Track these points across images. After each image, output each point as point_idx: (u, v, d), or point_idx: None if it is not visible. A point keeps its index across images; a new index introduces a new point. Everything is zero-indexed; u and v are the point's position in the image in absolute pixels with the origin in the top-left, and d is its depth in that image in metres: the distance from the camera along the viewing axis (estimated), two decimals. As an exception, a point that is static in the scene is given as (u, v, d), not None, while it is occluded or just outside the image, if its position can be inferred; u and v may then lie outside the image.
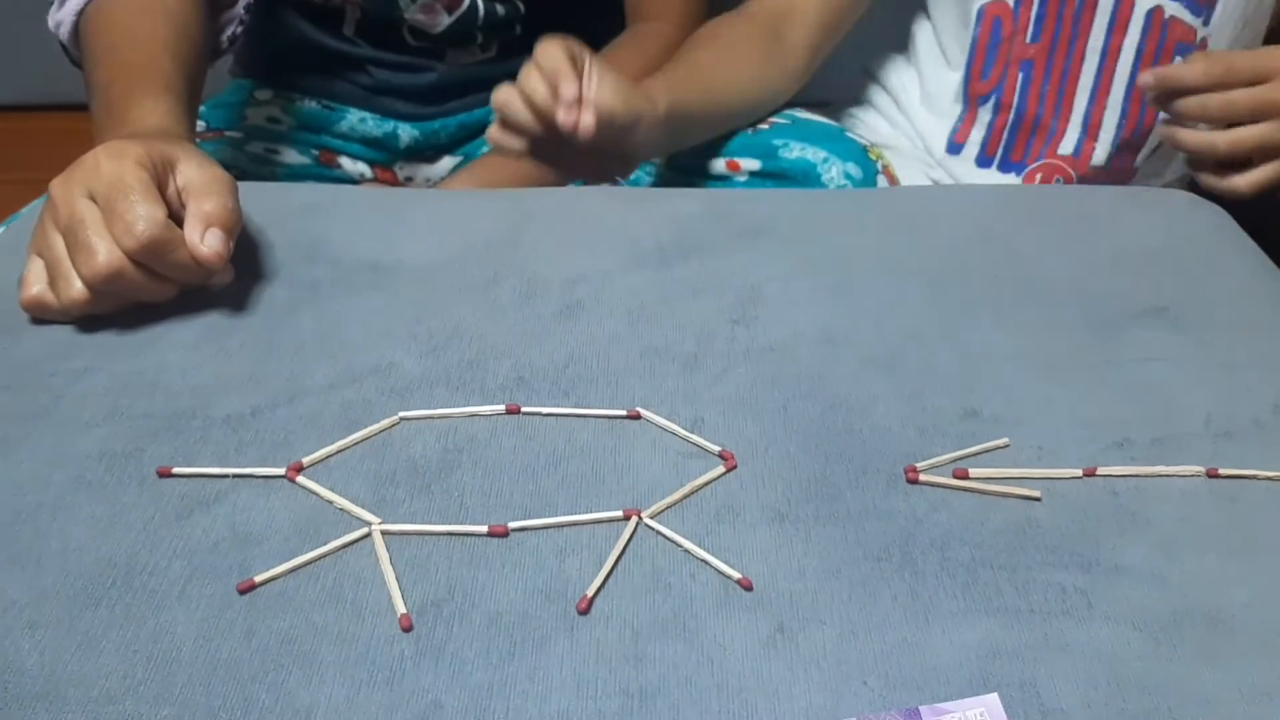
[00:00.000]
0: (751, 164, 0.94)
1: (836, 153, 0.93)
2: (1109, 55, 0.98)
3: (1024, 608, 0.50)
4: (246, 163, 1.06)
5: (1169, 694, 0.46)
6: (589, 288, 0.70)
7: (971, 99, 1.03)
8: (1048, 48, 0.99)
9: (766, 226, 0.75)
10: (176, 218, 0.65)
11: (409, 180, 1.14)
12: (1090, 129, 1.00)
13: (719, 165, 0.95)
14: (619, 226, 0.75)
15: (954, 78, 1.04)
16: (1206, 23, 0.96)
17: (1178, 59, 0.95)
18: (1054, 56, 0.99)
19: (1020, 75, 1.01)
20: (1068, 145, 1.01)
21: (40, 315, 0.65)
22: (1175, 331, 0.66)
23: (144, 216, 0.62)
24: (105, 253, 0.62)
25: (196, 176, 0.66)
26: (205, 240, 0.64)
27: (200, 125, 1.09)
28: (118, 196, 0.63)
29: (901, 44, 1.11)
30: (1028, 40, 1.00)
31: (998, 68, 1.01)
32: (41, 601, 0.49)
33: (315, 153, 1.10)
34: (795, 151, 0.93)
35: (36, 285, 0.65)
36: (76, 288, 0.64)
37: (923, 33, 1.09)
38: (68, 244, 0.64)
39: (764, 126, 0.97)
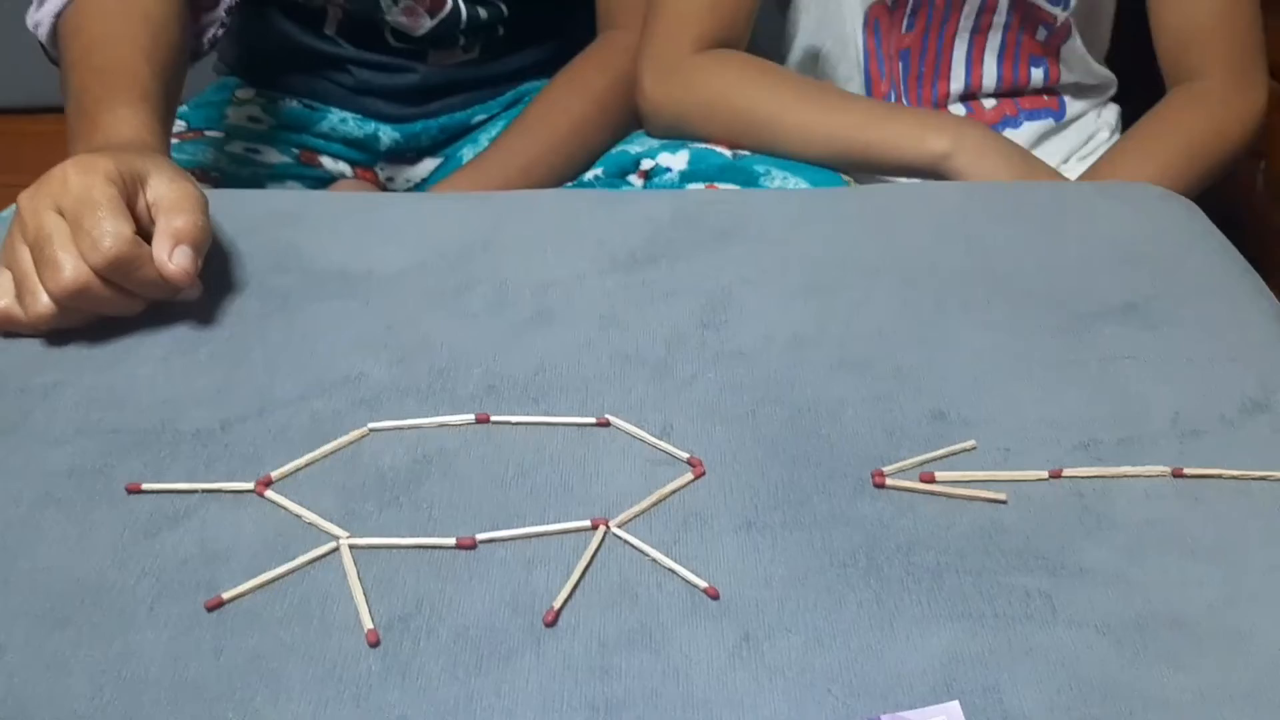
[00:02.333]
0: (731, 189, 0.94)
1: (817, 184, 0.93)
2: (979, 32, 1.04)
3: (988, 612, 0.50)
4: (227, 163, 1.06)
5: (1132, 698, 0.46)
6: (560, 293, 0.70)
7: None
8: (921, 33, 1.04)
9: (737, 228, 0.75)
10: (146, 233, 0.65)
11: (390, 181, 1.14)
12: (972, 96, 1.07)
13: (698, 188, 0.95)
14: (590, 230, 0.75)
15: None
16: (1065, 8, 1.03)
17: (1041, 29, 1.04)
18: (928, 39, 1.04)
19: (901, 65, 1.05)
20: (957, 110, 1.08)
21: (8, 329, 0.65)
22: (1144, 329, 0.66)
23: (110, 233, 0.62)
24: (71, 269, 0.62)
25: (167, 192, 0.66)
26: (173, 258, 0.64)
27: (181, 125, 1.09)
28: (85, 212, 0.63)
29: None
30: (904, 31, 1.04)
31: (888, 64, 1.05)
32: (10, 623, 0.49)
33: (296, 152, 1.10)
34: (777, 180, 0.93)
35: (3, 299, 0.65)
36: (43, 302, 0.64)
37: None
38: (35, 259, 0.64)
39: (745, 153, 0.97)
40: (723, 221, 0.76)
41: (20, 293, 0.64)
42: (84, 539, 0.53)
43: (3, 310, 0.65)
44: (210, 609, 0.50)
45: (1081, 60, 1.07)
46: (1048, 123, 1.08)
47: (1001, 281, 0.71)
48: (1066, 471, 0.57)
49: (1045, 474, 0.57)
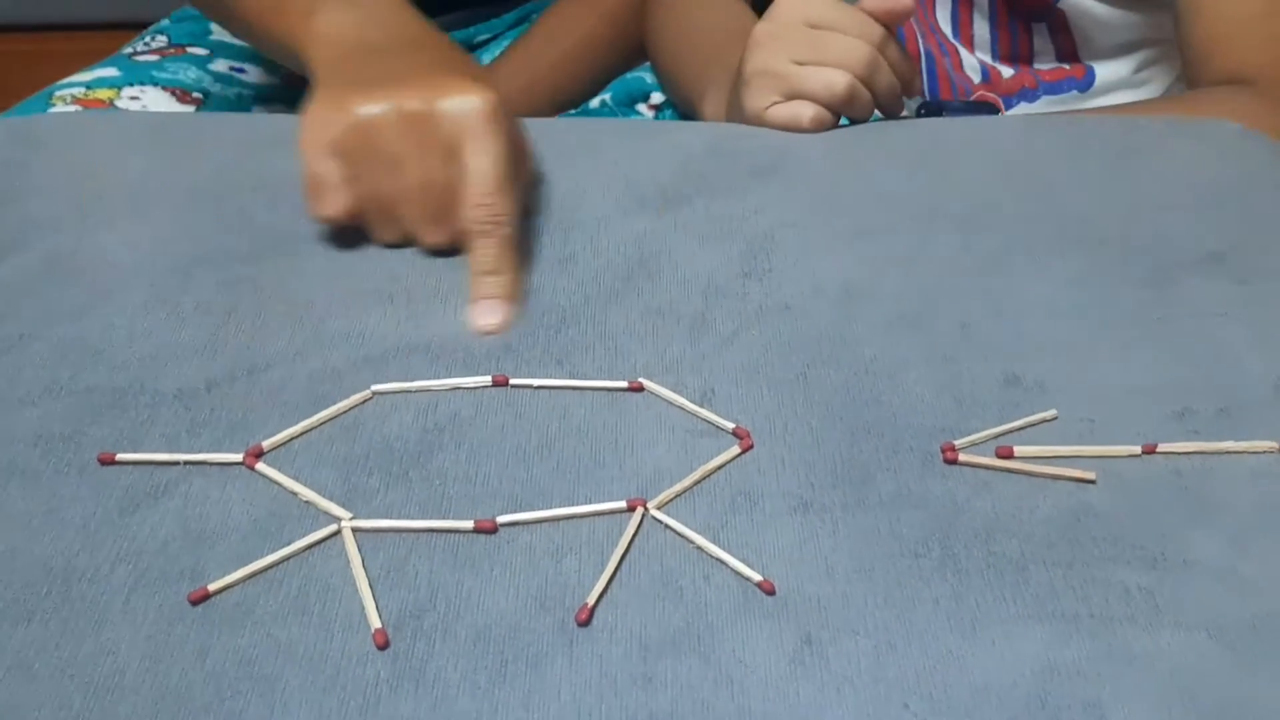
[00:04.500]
0: None
1: None
2: None
3: (1083, 612, 0.44)
4: (211, 82, 0.99)
5: (1254, 713, 0.40)
6: (583, 236, 0.63)
7: None
8: None
9: (779, 163, 0.68)
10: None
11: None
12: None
13: None
14: (615, 164, 0.68)
15: None
16: None
17: None
18: None
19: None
20: (974, 74, 0.96)
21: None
22: (1234, 282, 0.60)
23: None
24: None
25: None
26: (480, 320, 0.57)
27: (162, 40, 1.03)
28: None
29: None
30: None
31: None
32: (-36, 617, 0.43)
33: (283, 72, 1.03)
34: None
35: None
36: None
37: None
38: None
39: None
40: (761, 156, 0.69)
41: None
42: (50, 517, 0.47)
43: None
44: (194, 602, 0.44)
45: (1091, 15, 0.90)
46: (1071, 95, 0.95)
47: (1071, 227, 0.64)
48: (1161, 446, 0.50)
49: (1138, 449, 0.50)
